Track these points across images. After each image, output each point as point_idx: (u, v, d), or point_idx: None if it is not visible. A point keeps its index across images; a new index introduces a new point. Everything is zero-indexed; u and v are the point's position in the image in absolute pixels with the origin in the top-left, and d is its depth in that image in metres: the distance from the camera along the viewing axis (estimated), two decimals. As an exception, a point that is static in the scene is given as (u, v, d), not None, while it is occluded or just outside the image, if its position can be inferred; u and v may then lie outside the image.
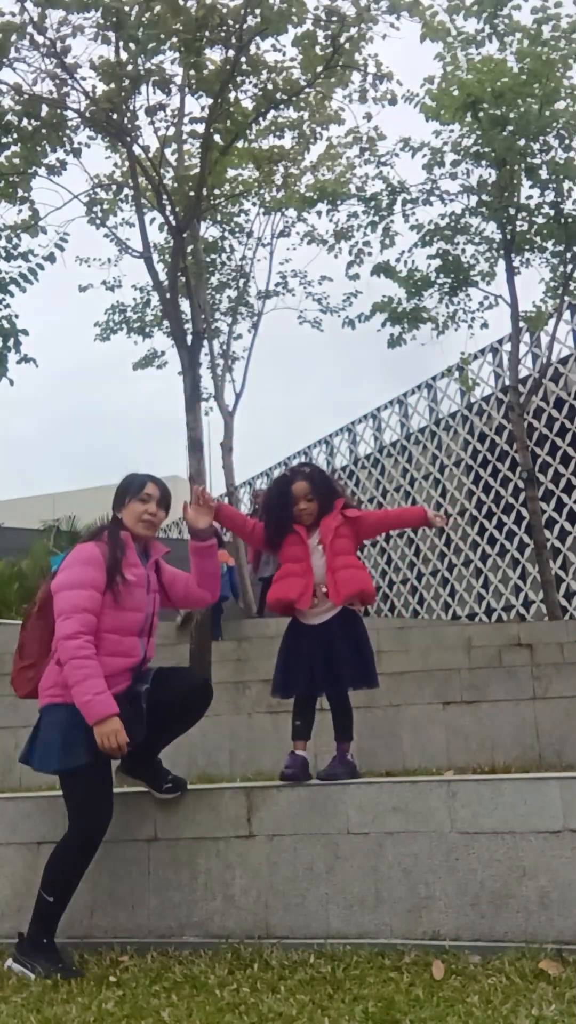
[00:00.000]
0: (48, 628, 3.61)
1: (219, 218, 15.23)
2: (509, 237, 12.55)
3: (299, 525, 3.99)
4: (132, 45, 8.29)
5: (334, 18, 8.28)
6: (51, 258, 9.62)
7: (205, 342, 14.13)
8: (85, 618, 3.42)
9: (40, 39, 8.38)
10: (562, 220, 12.35)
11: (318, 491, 3.98)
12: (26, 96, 8.71)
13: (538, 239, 12.84)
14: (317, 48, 8.59)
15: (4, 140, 9.01)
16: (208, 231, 15.21)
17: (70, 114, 9.01)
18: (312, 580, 3.88)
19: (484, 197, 12.54)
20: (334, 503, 4.01)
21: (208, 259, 15.27)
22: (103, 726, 3.32)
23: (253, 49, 8.61)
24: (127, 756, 3.48)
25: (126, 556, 3.58)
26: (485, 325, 13.86)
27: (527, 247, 12.94)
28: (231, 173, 12.80)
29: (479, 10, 11.27)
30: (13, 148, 9.25)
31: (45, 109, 8.92)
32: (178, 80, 9.28)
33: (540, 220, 12.62)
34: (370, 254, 13.28)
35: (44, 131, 9.01)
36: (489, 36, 11.67)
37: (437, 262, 13.15)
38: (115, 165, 11.83)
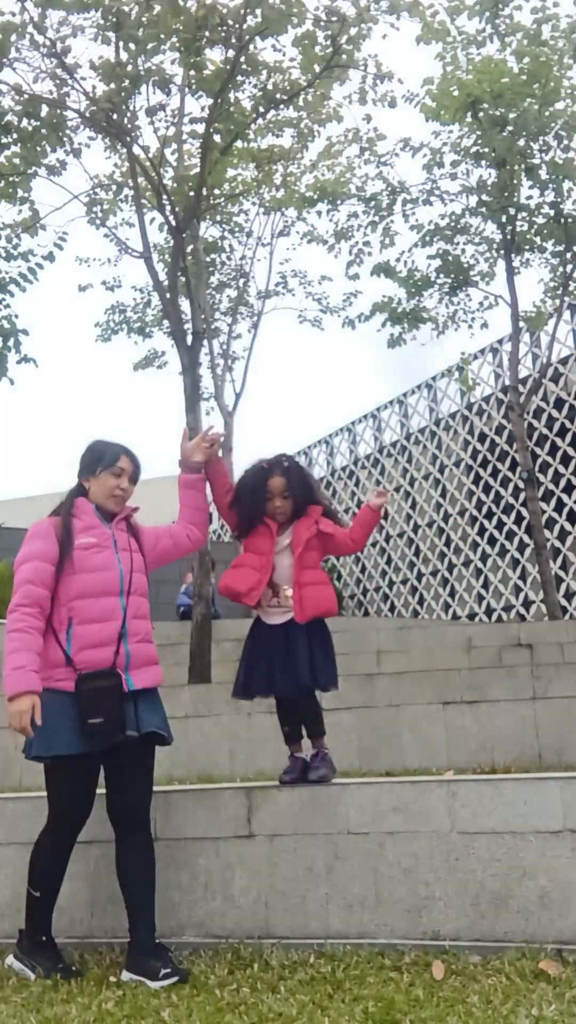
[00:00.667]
0: None
1: (219, 218, 15.25)
2: (509, 237, 12.56)
3: (270, 519, 3.80)
4: (132, 45, 8.29)
5: (334, 18, 8.28)
6: (51, 257, 9.63)
7: (205, 342, 14.14)
8: (27, 590, 3.31)
9: (40, 39, 8.38)
10: (562, 220, 12.36)
11: (295, 490, 3.79)
12: (26, 96, 8.71)
13: (538, 239, 12.85)
14: (317, 48, 8.60)
15: (4, 140, 9.02)
16: (208, 231, 15.23)
17: (70, 114, 9.01)
18: (267, 577, 3.72)
19: (484, 197, 12.55)
20: (309, 508, 3.82)
21: (208, 259, 15.29)
22: (14, 704, 3.15)
23: (253, 49, 8.61)
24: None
25: (80, 520, 3.47)
26: (485, 325, 13.89)
27: (527, 247, 12.95)
28: (231, 173, 12.82)
29: (480, 10, 11.28)
30: (13, 148, 9.26)
31: (45, 109, 8.92)
32: (178, 80, 9.28)
33: (540, 220, 12.63)
34: (370, 254, 13.30)
35: (44, 131, 9.02)
36: (490, 36, 11.68)
37: (437, 262, 13.16)
38: (115, 165, 11.84)
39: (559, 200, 12.36)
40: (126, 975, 3.21)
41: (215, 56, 8.75)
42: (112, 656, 3.34)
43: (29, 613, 3.29)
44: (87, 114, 8.85)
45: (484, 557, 26.94)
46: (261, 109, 9.45)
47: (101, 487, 3.55)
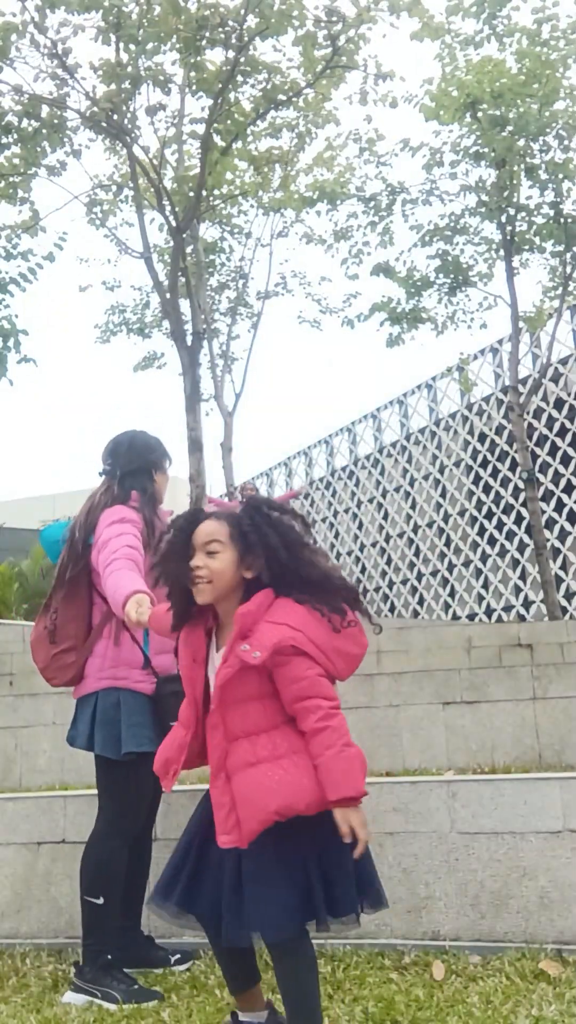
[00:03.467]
0: (86, 605, 3.24)
1: (218, 219, 15.26)
2: (508, 237, 12.55)
3: (203, 611, 2.33)
4: (132, 46, 8.30)
5: (334, 18, 8.29)
6: (50, 257, 9.64)
7: (205, 342, 14.14)
8: (128, 551, 3.01)
9: (41, 39, 8.40)
10: (561, 220, 12.36)
11: (237, 545, 2.26)
12: (26, 96, 8.72)
13: (537, 239, 12.85)
14: (317, 49, 8.61)
15: (4, 140, 9.03)
16: (207, 232, 15.25)
17: (70, 115, 9.03)
18: (191, 746, 2.33)
19: (483, 197, 12.55)
20: (257, 592, 2.22)
21: (207, 259, 15.30)
22: (134, 601, 2.80)
23: (253, 49, 8.62)
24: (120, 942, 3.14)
25: (160, 520, 3.28)
26: (484, 325, 13.90)
27: (527, 247, 12.95)
28: (229, 175, 12.83)
29: (478, 11, 11.28)
30: (13, 148, 9.27)
31: (45, 110, 8.93)
32: (178, 80, 9.30)
33: (540, 220, 12.63)
34: (369, 254, 13.32)
35: (44, 132, 9.03)
36: (488, 37, 11.68)
37: (436, 262, 13.16)
38: (115, 166, 11.85)
39: (559, 200, 12.36)
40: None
41: (215, 56, 8.76)
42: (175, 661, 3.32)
43: (134, 562, 3.00)
44: (87, 114, 8.86)
45: (484, 557, 26.92)
46: (261, 110, 9.46)
47: (163, 485, 3.38)
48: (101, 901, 3.09)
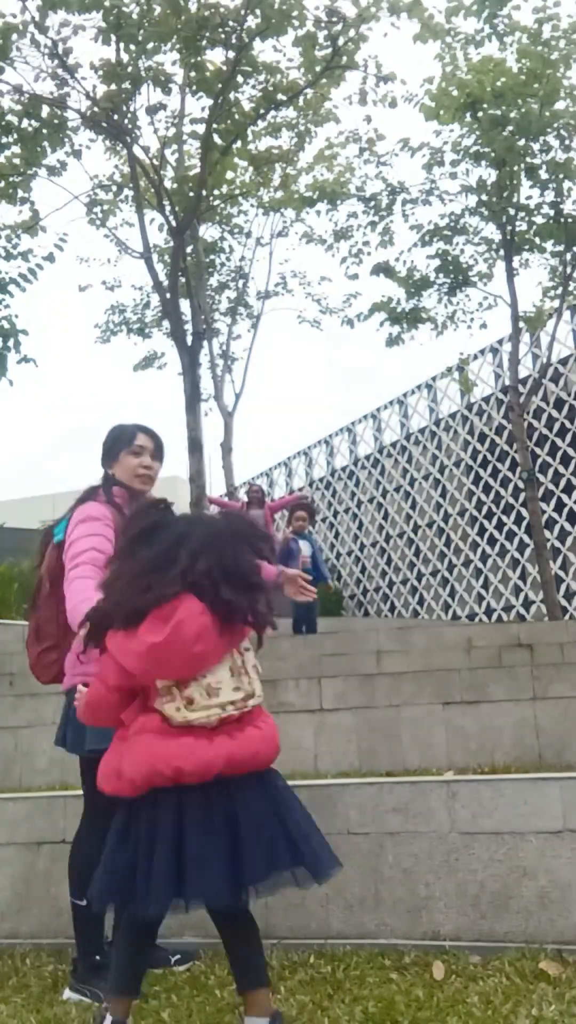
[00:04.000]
0: (61, 604, 3.20)
1: (218, 219, 15.26)
2: (509, 237, 12.56)
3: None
4: (132, 46, 8.31)
5: (334, 18, 8.29)
6: (50, 258, 9.63)
7: (205, 342, 14.15)
8: (94, 555, 3.04)
9: (41, 39, 8.40)
10: (562, 220, 12.36)
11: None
12: (27, 96, 8.72)
13: (538, 239, 12.85)
14: (317, 49, 8.61)
15: (4, 140, 9.03)
16: (207, 232, 15.25)
17: (71, 115, 9.03)
18: None
19: (484, 197, 12.55)
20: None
21: (207, 259, 15.30)
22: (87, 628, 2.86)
23: (253, 50, 8.62)
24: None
25: (128, 511, 3.23)
26: (484, 325, 13.90)
27: (527, 247, 12.95)
28: (229, 175, 12.83)
29: (478, 10, 11.27)
30: (13, 148, 9.27)
31: (46, 110, 8.94)
32: (178, 80, 9.30)
33: (540, 220, 12.63)
34: (369, 254, 13.32)
35: (44, 132, 9.03)
36: (488, 36, 11.68)
37: (436, 262, 13.16)
38: (115, 167, 11.86)
39: (559, 200, 12.36)
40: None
41: (215, 56, 8.77)
42: None
43: (90, 570, 3.01)
44: (87, 114, 8.86)
45: (484, 557, 26.93)
46: (261, 110, 9.46)
47: (125, 469, 3.36)
48: (85, 902, 3.05)
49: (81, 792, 3.36)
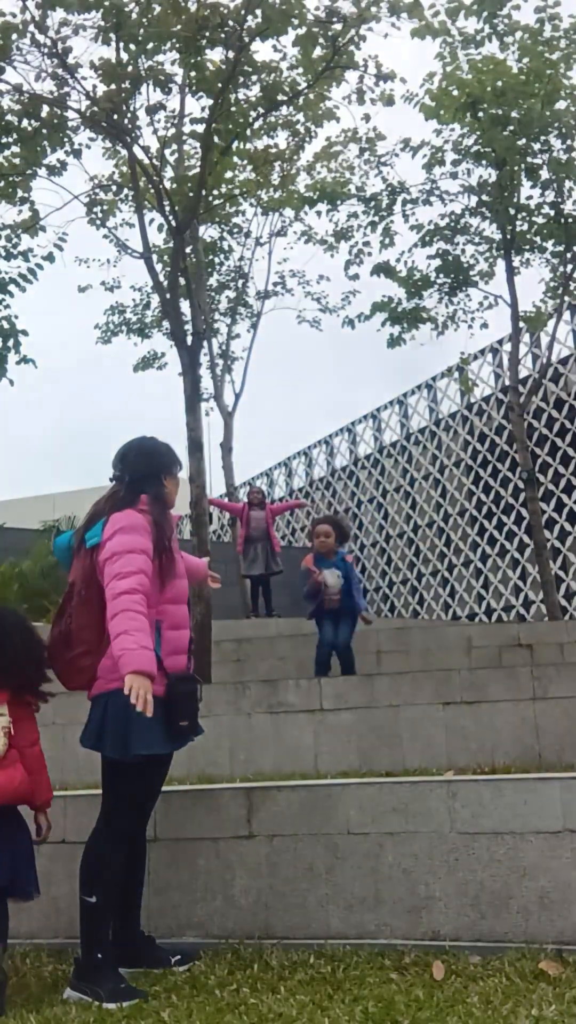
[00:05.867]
0: (100, 612, 3.24)
1: (217, 219, 15.25)
2: (509, 237, 12.55)
3: None
4: (132, 45, 8.30)
5: (335, 18, 8.27)
6: (50, 258, 9.63)
7: (205, 342, 14.14)
8: (141, 579, 3.13)
9: (41, 39, 8.38)
10: (562, 220, 12.35)
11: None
12: (27, 96, 8.71)
13: (538, 239, 12.85)
14: (317, 49, 8.59)
15: (4, 140, 9.02)
16: (207, 231, 15.24)
17: (71, 114, 9.02)
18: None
19: (484, 197, 12.55)
20: None
21: (207, 259, 15.29)
22: (140, 680, 2.99)
23: (253, 50, 8.61)
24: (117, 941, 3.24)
25: (170, 522, 3.38)
26: (485, 325, 13.89)
27: (527, 247, 12.95)
28: (228, 174, 12.81)
29: (479, 10, 11.27)
30: (13, 148, 9.25)
31: (46, 109, 8.92)
32: (178, 79, 9.29)
33: (540, 220, 12.62)
34: (370, 254, 13.31)
35: (44, 131, 9.02)
36: (488, 36, 11.67)
37: (437, 262, 13.16)
38: (115, 167, 11.84)
39: (559, 200, 12.36)
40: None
41: (215, 56, 8.75)
42: (187, 662, 3.37)
43: (142, 601, 3.13)
44: (87, 114, 8.85)
45: (484, 557, 26.93)
46: (261, 110, 9.45)
47: (173, 489, 3.50)
48: (95, 900, 3.15)
49: (80, 792, 3.39)
